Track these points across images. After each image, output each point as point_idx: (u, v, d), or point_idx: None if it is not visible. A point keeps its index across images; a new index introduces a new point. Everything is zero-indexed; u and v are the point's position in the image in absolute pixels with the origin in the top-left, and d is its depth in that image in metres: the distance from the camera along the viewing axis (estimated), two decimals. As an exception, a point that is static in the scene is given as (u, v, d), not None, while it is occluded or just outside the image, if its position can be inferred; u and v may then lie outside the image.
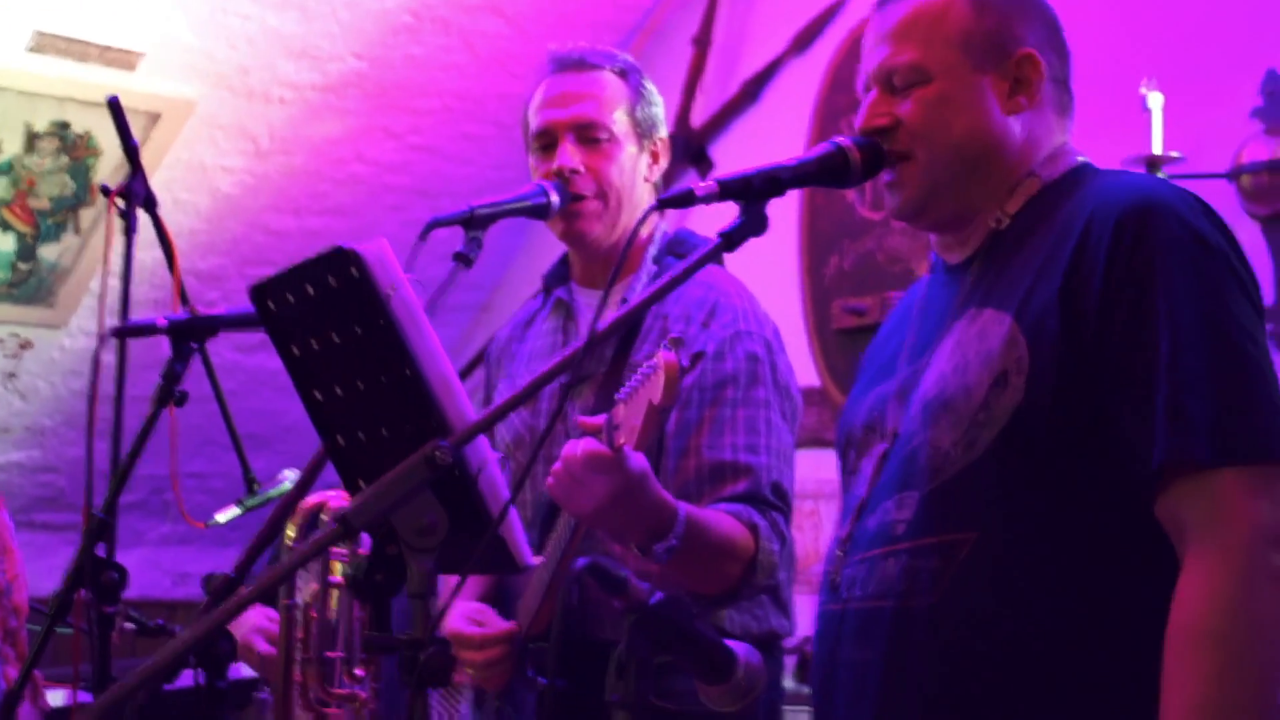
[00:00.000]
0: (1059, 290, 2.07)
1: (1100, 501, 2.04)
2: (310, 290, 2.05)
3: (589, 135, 2.99)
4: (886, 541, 2.15)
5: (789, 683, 4.52)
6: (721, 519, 2.74)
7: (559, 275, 3.17)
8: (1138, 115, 4.04)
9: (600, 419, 2.46)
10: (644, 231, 3.07)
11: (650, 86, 3.11)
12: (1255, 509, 1.95)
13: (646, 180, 3.06)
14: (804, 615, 4.40)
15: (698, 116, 5.89)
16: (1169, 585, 1.97)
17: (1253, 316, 2.05)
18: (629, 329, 2.96)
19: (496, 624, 2.89)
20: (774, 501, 2.84)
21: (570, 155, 2.97)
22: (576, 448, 2.46)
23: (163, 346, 2.85)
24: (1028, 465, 2.06)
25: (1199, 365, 1.98)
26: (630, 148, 3.02)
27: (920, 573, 2.09)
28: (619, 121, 3.01)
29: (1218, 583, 1.92)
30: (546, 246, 5.96)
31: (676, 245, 3.06)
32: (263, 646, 3.14)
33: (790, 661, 4.59)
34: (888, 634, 2.12)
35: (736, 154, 5.71)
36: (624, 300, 2.97)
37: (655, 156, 3.09)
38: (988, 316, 2.14)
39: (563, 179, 2.96)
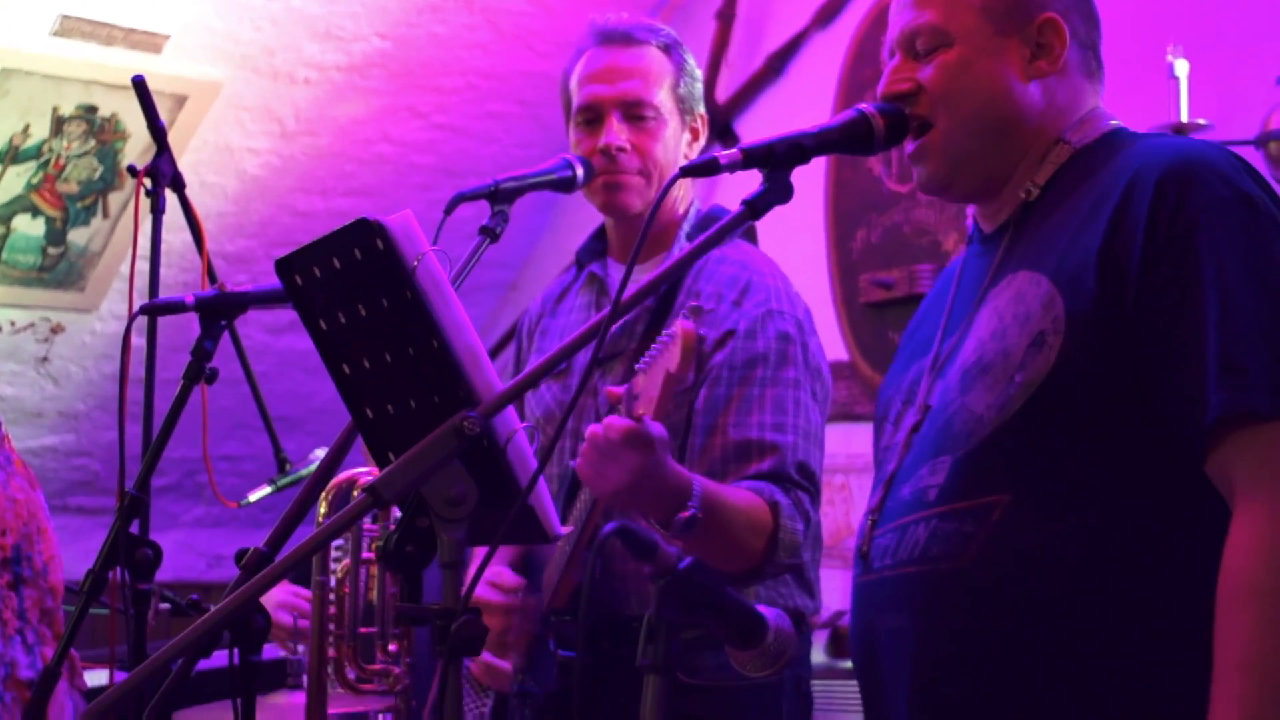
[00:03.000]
0: (1099, 250, 2.06)
1: (1136, 460, 2.04)
2: (336, 263, 2.06)
3: (636, 113, 2.99)
4: (919, 508, 2.15)
5: (821, 657, 4.53)
6: (738, 493, 2.74)
7: (593, 250, 3.16)
8: (1164, 82, 4.02)
9: (622, 389, 2.46)
10: (679, 209, 3.07)
11: (691, 61, 3.10)
12: None
13: (685, 156, 3.06)
14: (837, 589, 4.42)
15: (722, 91, 5.87)
16: (1207, 545, 1.96)
17: None
18: (660, 306, 2.96)
19: (509, 583, 2.89)
20: (799, 481, 2.83)
21: (617, 133, 2.97)
22: (609, 425, 2.46)
23: (191, 329, 2.85)
24: (1062, 425, 2.05)
25: (1250, 320, 1.97)
26: (673, 124, 3.02)
27: (952, 536, 2.09)
28: (664, 99, 3.01)
29: (1266, 535, 1.91)
30: (574, 224, 5.96)
31: (709, 221, 3.05)
32: (296, 620, 3.16)
33: (822, 636, 4.59)
34: (920, 598, 2.11)
35: (762, 128, 5.68)
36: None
37: (695, 133, 3.09)
38: (1023, 278, 2.14)
39: (608, 157, 2.95)
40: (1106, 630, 2.01)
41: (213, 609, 1.94)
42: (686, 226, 3.05)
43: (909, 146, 2.25)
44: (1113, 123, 2.27)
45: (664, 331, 2.40)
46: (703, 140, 3.11)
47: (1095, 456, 2.05)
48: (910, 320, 2.48)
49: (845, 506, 5.16)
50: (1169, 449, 2.02)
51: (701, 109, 3.11)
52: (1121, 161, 2.15)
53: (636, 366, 2.45)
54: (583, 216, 3.13)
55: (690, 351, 2.35)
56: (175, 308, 2.85)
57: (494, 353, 6.34)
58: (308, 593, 3.09)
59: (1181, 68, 4.02)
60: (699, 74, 3.12)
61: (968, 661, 2.07)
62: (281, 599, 3.15)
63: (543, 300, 3.30)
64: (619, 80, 3.00)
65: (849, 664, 3.01)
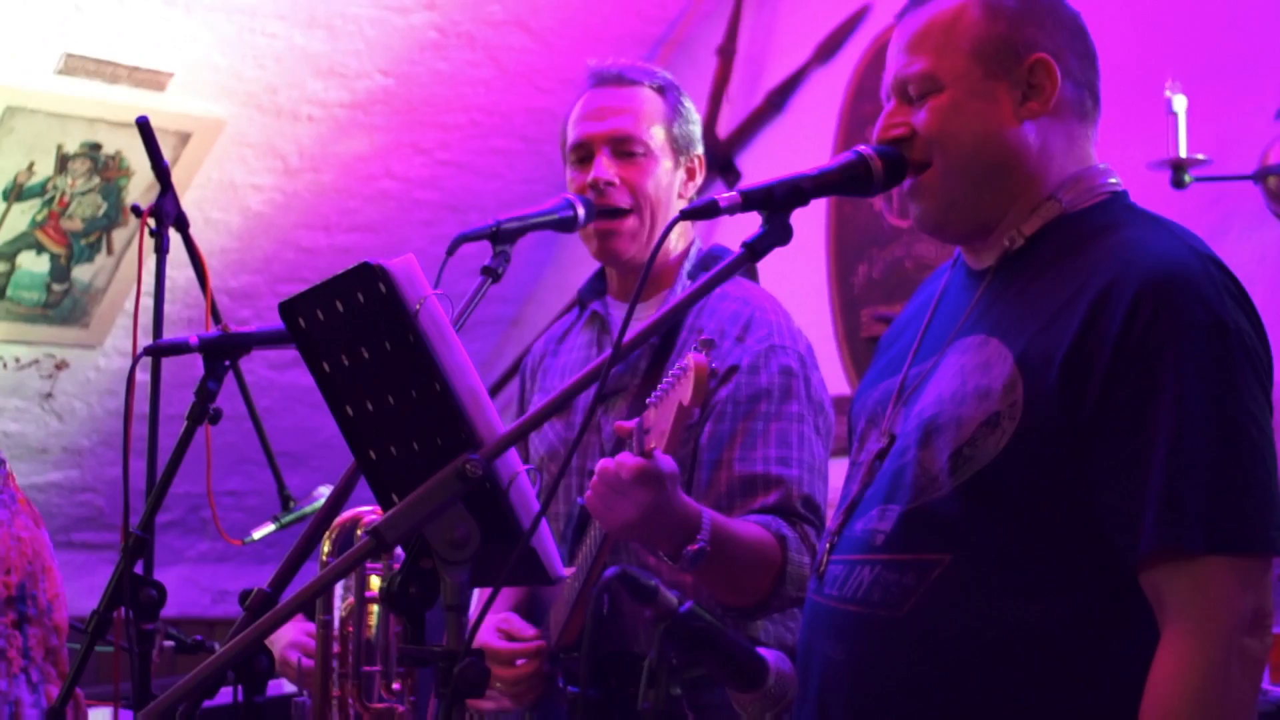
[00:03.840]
0: (1065, 352, 2.07)
1: (1074, 552, 2.07)
2: (339, 306, 2.07)
3: (625, 149, 3.01)
4: (866, 549, 2.19)
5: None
6: (748, 526, 2.75)
7: (595, 289, 3.19)
8: (1162, 118, 4.03)
9: (632, 423, 2.47)
10: (679, 247, 3.08)
11: (688, 104, 3.13)
12: (1238, 597, 1.98)
13: (682, 196, 3.08)
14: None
15: (723, 127, 5.90)
16: (1137, 636, 2.01)
17: (1261, 402, 2.05)
18: (664, 343, 2.98)
19: (525, 633, 2.91)
20: (805, 514, 2.84)
21: (605, 168, 2.99)
22: (620, 462, 2.47)
23: (196, 365, 2.87)
24: (1004, 505, 2.09)
25: (1199, 453, 1.99)
26: (666, 163, 3.04)
27: (892, 586, 2.13)
28: (655, 137, 3.03)
29: (1194, 666, 1.96)
30: (576, 261, 5.98)
31: (711, 261, 3.07)
32: (300, 660, 3.16)
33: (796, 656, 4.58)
34: (857, 638, 2.16)
35: (763, 164, 5.72)
36: (661, 316, 2.98)
37: (691, 173, 3.11)
38: (993, 349, 2.15)
39: (597, 191, 2.98)
40: (1026, 698, 2.05)
41: (218, 650, 1.95)
42: (688, 265, 3.07)
43: (906, 183, 2.27)
44: (1111, 181, 2.27)
45: (676, 365, 2.42)
46: (699, 179, 3.13)
47: (1033, 540, 2.08)
48: (889, 328, 2.51)
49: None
50: (1104, 549, 2.05)
51: (699, 150, 3.13)
52: (1106, 250, 2.14)
53: (648, 400, 2.47)
54: (584, 253, 3.14)
55: (703, 384, 2.37)
56: (179, 349, 2.87)
57: (496, 388, 6.35)
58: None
59: (1180, 103, 4.03)
60: (696, 116, 3.14)
61: (896, 704, 2.12)
62: (293, 638, 3.15)
63: (545, 340, 3.32)
64: (608, 118, 3.04)
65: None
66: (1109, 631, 2.05)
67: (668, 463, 2.50)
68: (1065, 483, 2.06)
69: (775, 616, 2.91)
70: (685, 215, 2.11)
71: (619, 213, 2.99)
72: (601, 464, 2.51)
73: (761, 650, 2.10)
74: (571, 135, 3.07)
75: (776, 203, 2.10)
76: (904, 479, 2.17)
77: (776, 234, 2.09)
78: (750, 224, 2.11)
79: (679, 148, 3.07)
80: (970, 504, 2.10)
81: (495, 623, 2.92)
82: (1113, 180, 2.28)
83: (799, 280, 4.93)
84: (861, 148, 2.23)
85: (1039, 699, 2.05)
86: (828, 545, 2.29)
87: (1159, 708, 1.97)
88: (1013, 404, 2.08)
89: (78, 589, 4.37)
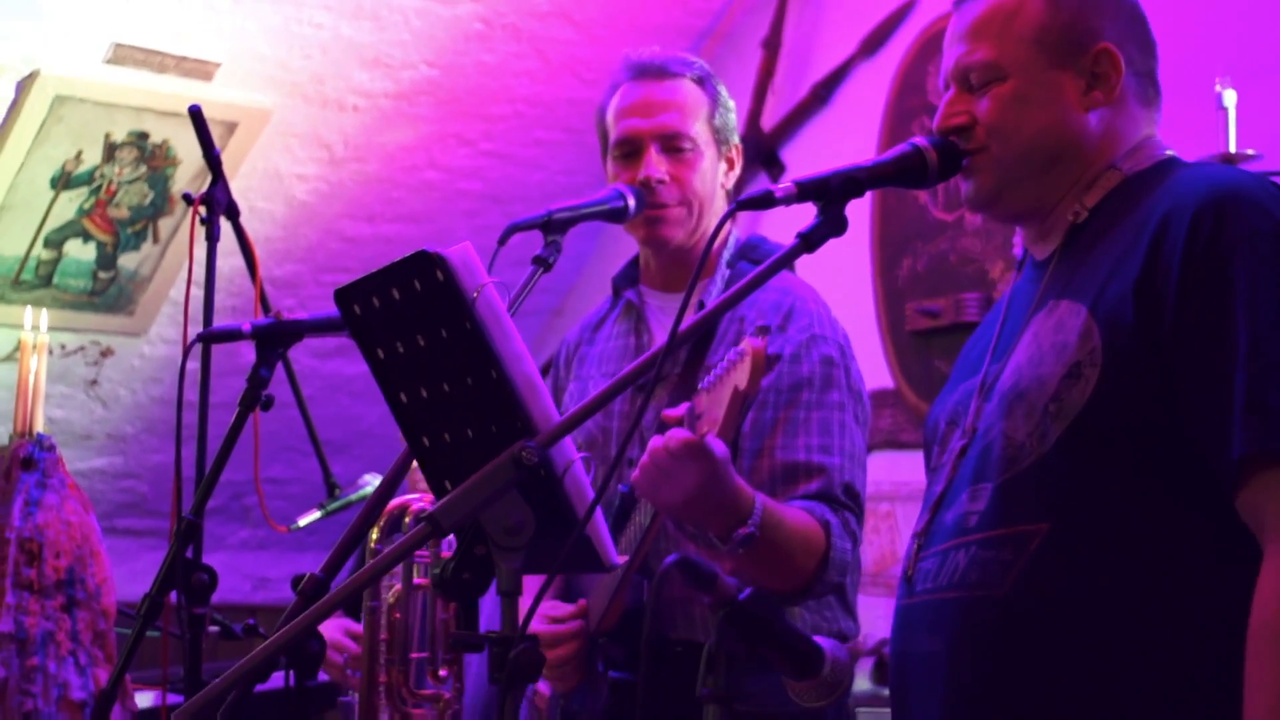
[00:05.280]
0: (1135, 282, 2.06)
1: (1174, 494, 2.04)
2: (395, 294, 2.07)
3: (674, 145, 3.01)
4: (960, 534, 2.16)
5: (866, 684, 4.53)
6: (796, 512, 2.77)
7: (628, 277, 3.19)
8: (1212, 113, 4.02)
9: (682, 409, 2.48)
10: (719, 237, 3.09)
11: (724, 93, 3.13)
12: None
13: (723, 187, 3.09)
14: (882, 617, 4.41)
15: (768, 120, 5.89)
16: (1248, 579, 1.95)
17: None
18: (704, 332, 2.99)
19: (564, 614, 2.92)
20: (846, 501, 2.86)
21: (656, 165, 2.99)
22: (666, 439, 2.48)
23: (239, 354, 2.89)
24: (1099, 457, 2.06)
25: (1278, 354, 1.96)
26: (710, 155, 3.05)
27: (990, 564, 2.10)
28: (701, 132, 3.04)
29: None
30: (619, 250, 5.97)
31: (749, 250, 3.09)
32: (339, 658, 3.17)
33: (867, 663, 4.59)
34: (956, 625, 2.12)
35: (807, 157, 5.71)
36: (700, 304, 2.99)
37: (730, 163, 3.11)
38: (1064, 308, 2.14)
39: (648, 189, 2.98)
40: (1138, 665, 2.01)
41: (272, 635, 1.96)
42: (726, 254, 3.08)
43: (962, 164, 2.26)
44: (1167, 152, 2.27)
45: (731, 350, 2.42)
46: (738, 169, 3.14)
47: (1132, 489, 2.05)
48: (964, 345, 2.49)
49: (890, 535, 5.16)
50: (1204, 484, 2.02)
51: (736, 139, 3.13)
52: (1162, 191, 2.15)
53: (700, 385, 2.48)
54: (628, 244, 3.15)
55: (760, 369, 2.37)
56: (232, 335, 2.88)
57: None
58: (357, 628, 3.10)
59: (1230, 98, 4.01)
60: (733, 104, 3.14)
61: (998, 688, 2.08)
62: (331, 638, 3.16)
63: (580, 328, 3.32)
64: (656, 113, 3.03)
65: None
66: (1214, 580, 2.01)
67: (719, 446, 2.50)
68: (1156, 419, 2.03)
69: (812, 605, 2.92)
70: (741, 205, 2.11)
71: (664, 204, 3.00)
72: (652, 441, 2.51)
73: (818, 638, 2.10)
74: (615, 130, 3.06)
75: (832, 194, 2.10)
76: (991, 455, 2.15)
77: (832, 225, 2.09)
78: (790, 214, 2.11)
79: (720, 139, 3.08)
80: (1063, 463, 2.07)
81: (541, 609, 2.93)
82: (1168, 151, 2.27)
83: (843, 273, 4.93)
84: (917, 139, 2.22)
85: (1147, 658, 2.00)
86: (915, 546, 2.25)
87: (1262, 630, 1.91)
88: (1091, 350, 2.07)
89: (121, 575, 4.38)
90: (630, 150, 3.03)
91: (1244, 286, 1.99)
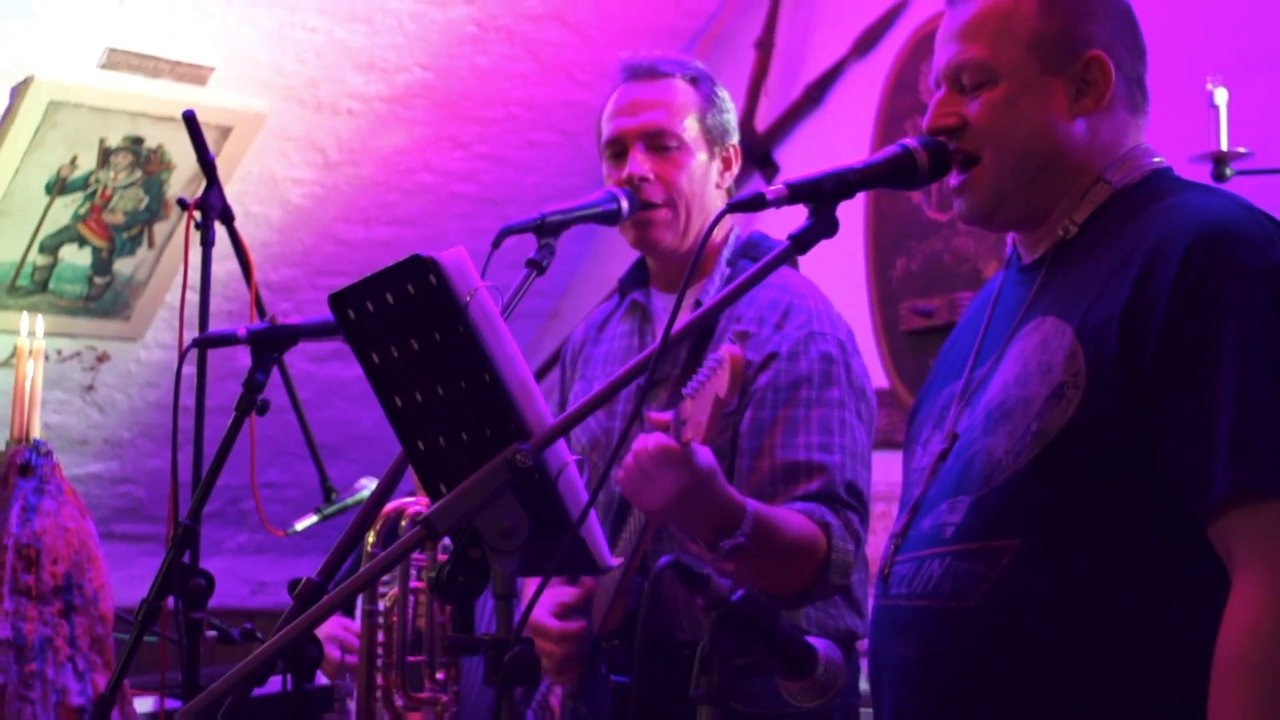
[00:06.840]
0: (1122, 310, 2.06)
1: (1144, 517, 2.05)
2: (389, 298, 2.08)
3: (658, 143, 3.01)
4: (935, 543, 2.18)
5: (866, 685, 4.52)
6: (792, 517, 2.75)
7: (636, 278, 3.19)
8: (1204, 111, 4.02)
9: (668, 415, 2.48)
10: (718, 236, 3.08)
11: (722, 93, 3.12)
12: None
13: (718, 187, 3.08)
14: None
15: (761, 121, 5.90)
16: (1216, 602, 1.97)
17: None
18: (703, 331, 2.98)
19: (573, 605, 2.92)
20: (848, 500, 2.85)
21: (640, 163, 2.99)
22: (646, 443, 2.48)
23: (235, 359, 2.89)
24: (1069, 478, 2.07)
25: (1266, 396, 1.97)
26: (701, 155, 3.04)
27: (963, 576, 2.12)
28: (689, 129, 3.03)
29: (1264, 613, 1.93)
30: (613, 253, 5.99)
31: (750, 248, 3.08)
32: (338, 654, 3.18)
33: (866, 664, 4.58)
34: (929, 633, 2.14)
35: (801, 157, 5.72)
36: (698, 303, 2.99)
37: (727, 163, 3.10)
38: (1050, 326, 2.15)
39: (633, 186, 2.98)
40: (1106, 681, 2.03)
41: (269, 639, 1.97)
42: (726, 253, 3.08)
43: (954, 180, 2.26)
44: (1156, 160, 2.27)
45: (710, 357, 2.42)
46: (736, 169, 3.13)
47: (1105, 511, 2.06)
48: (946, 339, 2.50)
49: (886, 534, 5.17)
50: (1177, 511, 2.03)
51: (734, 139, 3.12)
52: (1155, 215, 2.14)
53: (684, 391, 2.48)
54: (623, 246, 3.15)
55: (738, 376, 2.37)
56: (227, 340, 2.88)
57: (537, 378, 6.36)
58: (356, 626, 3.11)
59: (1221, 96, 4.02)
60: (731, 105, 3.14)
61: (972, 699, 2.10)
62: (330, 633, 3.18)
63: (585, 328, 3.32)
64: (641, 112, 3.03)
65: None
66: (1180, 604, 2.02)
67: (704, 455, 2.50)
68: (1132, 445, 2.04)
69: (818, 604, 2.92)
70: (732, 208, 2.12)
71: (653, 204, 3.00)
72: (636, 442, 2.51)
73: (811, 639, 2.10)
74: (605, 131, 3.07)
75: (823, 195, 2.10)
76: (973, 469, 2.16)
77: (823, 226, 2.10)
78: (792, 211, 2.12)
79: (713, 138, 3.07)
80: (1039, 482, 2.08)
81: (551, 605, 2.93)
82: (1157, 159, 2.28)
83: (837, 273, 4.92)
84: (907, 140, 2.22)
85: (1113, 678, 2.03)
86: (892, 548, 2.27)
87: (1232, 658, 1.93)
88: (1075, 373, 2.08)
89: (118, 580, 4.39)
90: (618, 150, 3.04)
91: (1231, 325, 2.00)
